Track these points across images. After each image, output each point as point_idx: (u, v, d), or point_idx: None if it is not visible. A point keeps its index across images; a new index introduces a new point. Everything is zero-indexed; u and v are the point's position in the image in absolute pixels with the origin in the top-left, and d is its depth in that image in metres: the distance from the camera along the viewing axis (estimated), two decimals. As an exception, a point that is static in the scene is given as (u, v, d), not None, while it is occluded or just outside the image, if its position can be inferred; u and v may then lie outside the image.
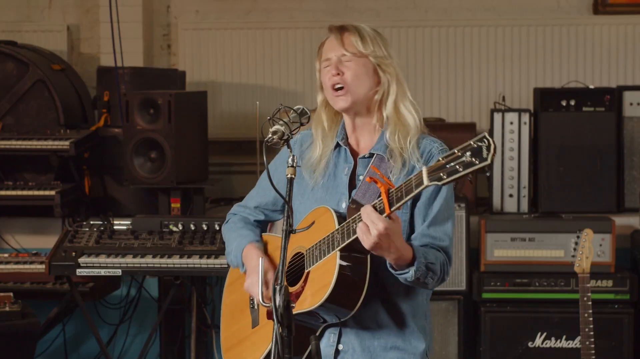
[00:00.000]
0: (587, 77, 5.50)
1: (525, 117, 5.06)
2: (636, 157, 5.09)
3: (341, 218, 2.64)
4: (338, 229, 2.59)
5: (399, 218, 2.52)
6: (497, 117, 5.07)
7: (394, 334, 2.73)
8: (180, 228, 4.57)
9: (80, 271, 4.38)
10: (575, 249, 4.68)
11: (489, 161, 2.24)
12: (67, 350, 5.36)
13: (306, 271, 2.67)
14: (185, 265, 4.36)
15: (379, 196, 2.51)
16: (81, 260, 4.39)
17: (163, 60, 5.80)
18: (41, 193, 4.92)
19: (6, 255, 4.97)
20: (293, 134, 2.49)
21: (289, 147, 2.45)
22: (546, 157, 5.06)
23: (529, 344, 4.73)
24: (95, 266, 4.39)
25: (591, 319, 3.69)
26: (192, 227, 4.57)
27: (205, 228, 4.56)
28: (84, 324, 5.17)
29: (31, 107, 5.17)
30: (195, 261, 4.35)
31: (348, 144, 2.77)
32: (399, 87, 2.72)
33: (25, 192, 4.94)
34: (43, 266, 4.64)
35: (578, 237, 3.80)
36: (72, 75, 5.47)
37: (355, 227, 2.51)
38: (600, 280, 4.72)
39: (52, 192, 4.89)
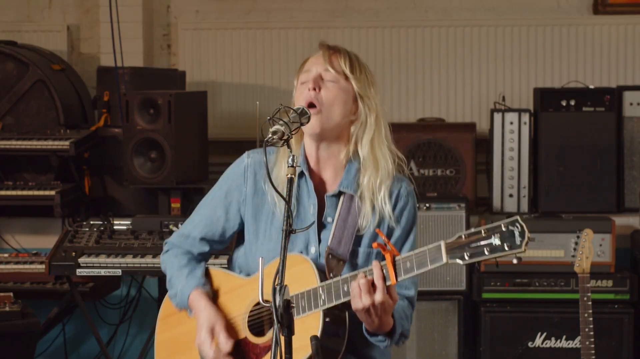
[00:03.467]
0: (587, 77, 5.49)
1: (525, 117, 5.06)
2: (636, 157, 5.09)
3: (320, 271, 2.51)
4: (323, 287, 2.47)
5: (397, 296, 2.43)
6: (497, 117, 5.07)
7: None
8: (180, 228, 4.57)
9: (80, 271, 4.38)
10: (575, 249, 4.67)
11: (523, 248, 2.17)
12: (67, 350, 5.36)
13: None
14: (185, 265, 4.35)
15: (351, 248, 2.46)
16: (81, 260, 4.39)
17: (163, 60, 5.80)
18: (41, 193, 4.92)
19: (6, 255, 4.97)
20: (293, 134, 2.42)
21: (289, 147, 2.40)
22: (546, 157, 5.06)
23: (529, 344, 4.73)
24: (95, 266, 4.38)
25: (591, 319, 3.69)
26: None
27: (205, 228, 4.55)
28: (84, 324, 5.17)
29: (31, 107, 5.17)
30: (195, 261, 4.34)
31: (312, 176, 2.63)
32: (377, 125, 2.59)
33: (25, 192, 4.94)
34: (43, 266, 4.64)
35: (578, 237, 3.80)
36: (72, 75, 5.47)
37: (346, 288, 2.41)
38: (600, 280, 4.72)
39: (52, 192, 4.89)
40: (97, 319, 5.17)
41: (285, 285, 2.29)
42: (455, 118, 5.55)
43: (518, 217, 2.17)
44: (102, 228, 4.60)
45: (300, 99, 2.60)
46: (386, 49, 5.54)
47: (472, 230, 2.23)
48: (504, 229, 2.18)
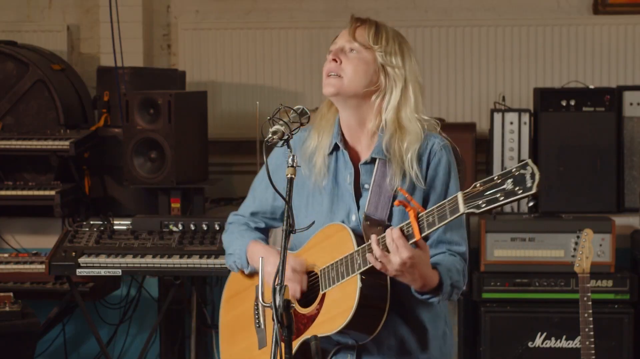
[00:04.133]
0: (587, 77, 5.49)
1: (525, 117, 5.06)
2: (636, 157, 5.09)
3: (358, 237, 2.53)
4: (358, 251, 2.48)
5: (427, 246, 2.43)
6: (497, 117, 5.07)
7: (414, 347, 2.62)
8: (180, 228, 4.57)
9: (80, 271, 4.38)
10: (575, 249, 4.67)
11: (534, 190, 2.15)
12: (67, 350, 5.36)
13: (321, 292, 2.57)
14: (185, 265, 4.35)
15: (390, 211, 2.45)
16: (81, 260, 4.39)
17: (163, 60, 5.80)
18: (41, 193, 4.92)
19: (6, 255, 4.97)
20: (293, 134, 2.44)
21: (289, 147, 2.41)
22: (546, 157, 5.06)
23: (529, 344, 4.73)
24: (95, 266, 4.38)
25: (591, 319, 3.69)
26: (192, 227, 4.57)
27: (205, 228, 4.55)
28: (84, 324, 5.17)
29: (31, 107, 5.17)
30: (195, 261, 4.35)
31: (346, 147, 2.66)
32: (403, 96, 2.59)
33: (25, 192, 4.94)
34: (43, 266, 4.64)
35: (578, 237, 3.80)
36: (72, 75, 5.47)
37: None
38: (600, 280, 4.72)
39: (52, 192, 4.89)
40: (97, 319, 5.17)
41: (286, 285, 2.30)
42: (455, 118, 5.55)
43: (529, 160, 2.18)
44: (102, 228, 4.60)
45: (324, 71, 2.63)
46: (386, 49, 5.54)
47: (486, 178, 2.25)
48: (515, 173, 2.19)
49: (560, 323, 4.70)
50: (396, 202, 2.43)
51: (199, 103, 5.17)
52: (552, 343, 4.72)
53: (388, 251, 2.40)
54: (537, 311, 4.74)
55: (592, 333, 3.70)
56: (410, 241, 2.38)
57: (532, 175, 2.15)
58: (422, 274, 2.42)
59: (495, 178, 2.21)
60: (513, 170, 2.19)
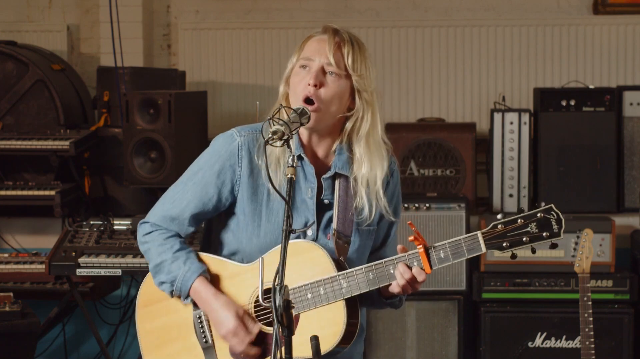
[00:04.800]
0: (587, 77, 5.50)
1: (525, 117, 5.06)
2: (636, 157, 5.09)
3: (334, 258, 2.52)
4: (344, 275, 2.49)
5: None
6: (497, 117, 5.07)
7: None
8: (180, 228, 4.56)
9: (80, 271, 4.38)
10: (575, 249, 4.68)
11: (561, 236, 2.29)
12: (67, 350, 5.36)
13: (294, 313, 2.49)
14: (185, 265, 4.35)
15: (352, 229, 2.52)
16: (81, 260, 4.39)
17: (163, 60, 5.80)
18: (41, 193, 4.92)
19: (6, 255, 4.97)
20: (293, 134, 2.41)
21: (289, 146, 2.39)
22: (546, 157, 5.06)
23: (529, 344, 4.73)
24: (95, 266, 4.38)
25: (591, 319, 3.69)
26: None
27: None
28: (84, 324, 5.17)
29: (31, 107, 5.17)
30: (195, 261, 4.34)
31: (306, 160, 2.60)
32: (373, 119, 2.57)
33: (25, 192, 4.94)
34: (43, 266, 4.65)
35: (578, 237, 3.80)
36: (72, 75, 5.47)
37: (371, 276, 2.46)
38: (600, 280, 4.72)
39: (52, 192, 4.89)
40: (97, 319, 5.17)
41: (286, 285, 2.29)
42: (455, 118, 5.55)
43: (552, 205, 2.29)
44: (102, 228, 4.60)
45: (298, 88, 2.55)
46: (386, 49, 5.54)
47: (507, 219, 2.33)
48: (540, 217, 2.29)
49: (560, 323, 4.70)
50: (410, 238, 2.43)
51: (199, 103, 5.17)
52: (552, 343, 4.72)
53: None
54: (537, 311, 4.74)
55: (592, 333, 3.70)
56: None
57: (559, 221, 2.28)
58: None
59: (518, 221, 2.30)
60: (538, 215, 2.28)
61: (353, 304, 2.54)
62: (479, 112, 5.56)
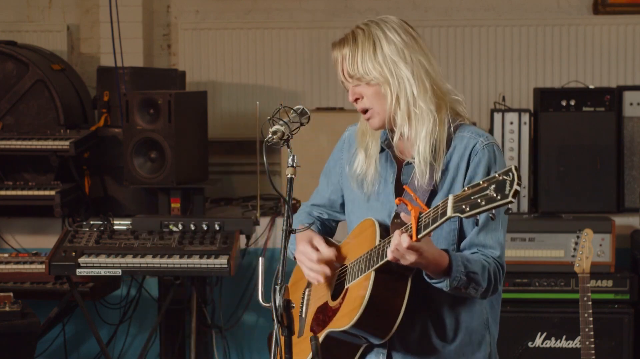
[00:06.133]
0: (587, 77, 5.50)
1: (525, 117, 5.06)
2: (636, 157, 5.09)
3: (385, 232, 2.50)
4: (377, 247, 2.46)
5: (428, 238, 2.35)
6: (497, 117, 5.07)
7: (447, 351, 2.56)
8: (180, 228, 4.57)
9: (80, 271, 4.38)
10: (575, 249, 4.68)
11: (509, 198, 2.06)
12: (67, 350, 5.35)
13: (346, 286, 2.56)
14: (185, 265, 4.36)
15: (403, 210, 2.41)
16: (81, 260, 4.39)
17: (163, 60, 5.80)
18: (41, 193, 4.92)
19: (6, 255, 4.97)
20: (293, 134, 2.43)
21: (288, 147, 2.40)
22: (546, 157, 5.06)
23: (529, 344, 4.73)
24: (95, 266, 4.39)
25: (591, 319, 3.69)
26: (192, 227, 4.57)
27: (205, 228, 4.55)
28: (84, 324, 5.17)
29: (31, 107, 5.17)
30: (195, 261, 4.35)
31: (391, 146, 2.62)
32: (396, 97, 2.52)
33: (25, 192, 4.94)
34: (43, 266, 4.64)
35: (578, 237, 3.80)
36: (72, 75, 5.47)
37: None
38: (600, 280, 4.72)
39: (52, 192, 4.89)
40: (97, 319, 5.17)
41: (286, 285, 2.29)
42: (455, 118, 5.54)
43: (513, 166, 2.07)
44: (102, 228, 4.60)
45: (353, 103, 2.61)
46: (386, 49, 5.54)
47: (475, 182, 2.17)
48: (499, 178, 2.09)
49: (560, 323, 4.70)
50: (396, 200, 2.38)
51: (199, 103, 5.17)
52: (552, 343, 4.72)
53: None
54: (537, 311, 4.74)
55: (592, 333, 3.70)
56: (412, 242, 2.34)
57: (512, 182, 2.06)
58: (430, 259, 2.35)
59: (481, 182, 2.14)
60: (497, 176, 2.11)
61: (393, 284, 2.44)
62: (479, 112, 5.56)
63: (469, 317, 2.57)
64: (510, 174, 2.07)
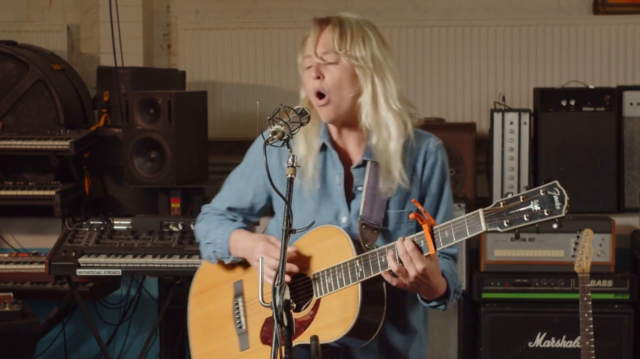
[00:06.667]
0: (587, 77, 5.49)
1: (525, 117, 5.06)
2: (636, 157, 5.09)
3: (355, 242, 2.50)
4: (359, 258, 2.45)
5: (437, 257, 2.39)
6: (497, 117, 5.07)
7: (400, 349, 2.63)
8: (180, 228, 4.57)
9: (80, 271, 4.38)
10: (575, 249, 4.68)
11: (563, 213, 2.11)
12: (67, 350, 5.36)
13: (315, 298, 2.54)
14: (185, 265, 4.36)
15: (384, 215, 2.44)
16: (81, 260, 4.39)
17: (163, 60, 5.80)
18: (41, 193, 4.92)
19: (6, 255, 4.97)
20: (293, 134, 2.42)
21: (288, 147, 2.39)
22: (546, 157, 5.06)
23: (529, 344, 4.73)
24: (95, 266, 4.39)
25: (591, 319, 3.69)
26: (192, 227, 4.56)
27: (205, 228, 4.55)
28: (84, 324, 5.17)
29: (31, 107, 5.17)
30: (195, 261, 4.35)
31: (335, 147, 2.62)
32: (373, 88, 2.54)
33: (25, 192, 4.94)
34: (43, 266, 4.65)
35: (578, 237, 3.80)
36: (72, 75, 5.47)
37: (383, 259, 2.39)
38: (600, 280, 4.72)
39: (52, 192, 4.89)
40: (97, 319, 5.17)
41: (285, 285, 2.29)
42: (455, 118, 5.55)
43: (556, 182, 2.13)
44: (102, 228, 4.61)
45: (308, 86, 2.58)
46: (386, 49, 5.54)
47: (510, 196, 2.18)
48: (542, 194, 2.13)
49: (560, 323, 4.70)
50: (411, 215, 2.36)
51: (199, 103, 5.17)
52: (552, 343, 4.72)
53: (401, 263, 2.36)
54: (537, 311, 4.74)
55: (592, 333, 3.70)
56: (425, 254, 2.35)
57: (561, 198, 2.11)
58: (434, 283, 2.41)
59: (520, 198, 2.16)
60: (540, 192, 2.14)
61: (375, 293, 2.47)
62: (479, 112, 5.56)
63: (422, 325, 2.72)
64: (557, 189, 2.13)
